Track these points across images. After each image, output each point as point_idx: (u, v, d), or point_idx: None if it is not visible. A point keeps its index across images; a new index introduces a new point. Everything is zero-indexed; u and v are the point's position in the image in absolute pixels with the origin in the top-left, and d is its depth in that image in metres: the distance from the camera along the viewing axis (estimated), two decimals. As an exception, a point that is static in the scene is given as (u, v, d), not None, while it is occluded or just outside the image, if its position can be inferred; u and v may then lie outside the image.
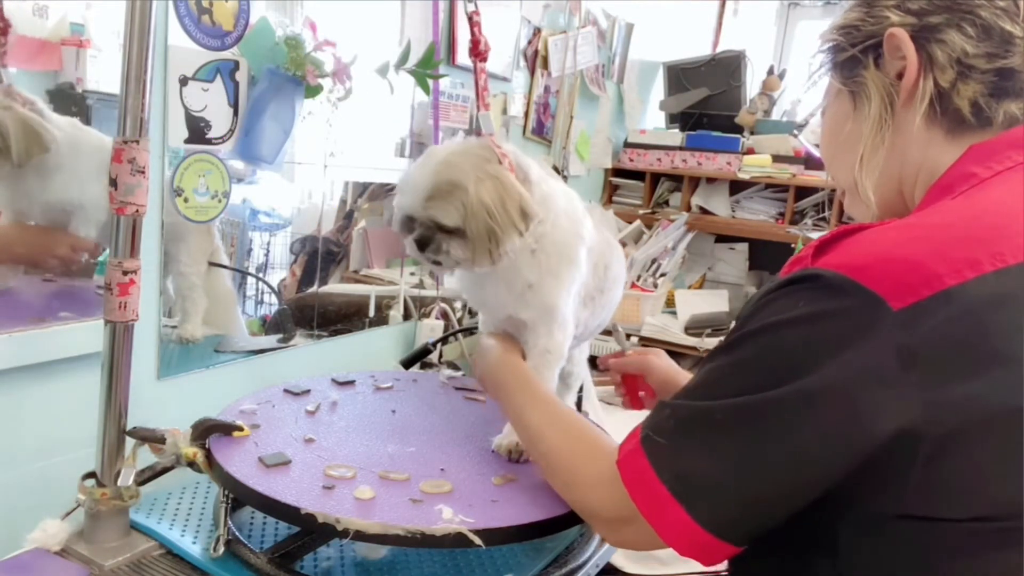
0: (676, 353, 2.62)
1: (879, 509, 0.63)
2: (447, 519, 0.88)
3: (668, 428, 0.70)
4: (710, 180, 2.78)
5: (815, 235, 2.48)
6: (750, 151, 2.71)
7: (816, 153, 2.58)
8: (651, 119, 3.14)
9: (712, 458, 0.67)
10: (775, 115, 2.94)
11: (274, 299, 1.55)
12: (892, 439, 0.60)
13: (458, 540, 0.87)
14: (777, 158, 2.65)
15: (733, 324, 0.72)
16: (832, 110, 0.83)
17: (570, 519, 0.94)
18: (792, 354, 0.64)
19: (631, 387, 1.26)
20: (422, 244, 1.07)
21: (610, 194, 2.93)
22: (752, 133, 2.80)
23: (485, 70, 1.33)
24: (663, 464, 0.69)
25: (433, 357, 1.76)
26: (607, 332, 1.39)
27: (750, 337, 0.67)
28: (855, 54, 0.77)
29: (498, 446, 1.09)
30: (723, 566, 0.81)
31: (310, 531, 1.01)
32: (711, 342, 2.52)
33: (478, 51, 1.36)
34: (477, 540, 0.87)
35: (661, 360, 1.21)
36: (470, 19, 1.39)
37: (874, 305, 0.60)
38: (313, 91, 1.46)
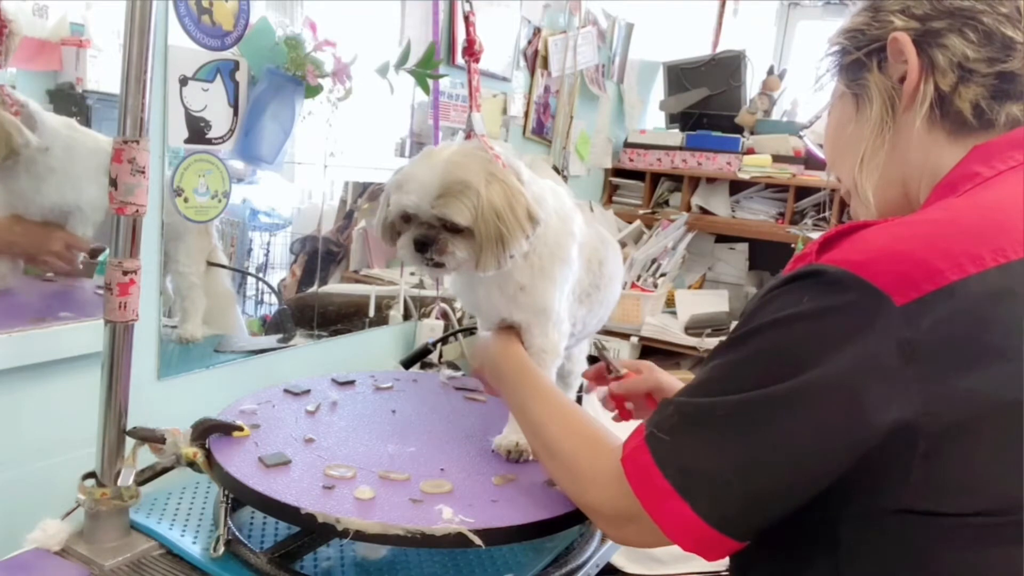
0: (676, 353, 2.63)
1: (879, 504, 0.64)
2: (447, 519, 0.88)
3: (671, 425, 0.71)
4: (710, 180, 2.78)
5: (815, 235, 2.48)
6: (750, 151, 2.71)
7: (819, 153, 2.58)
8: (651, 119, 3.14)
9: (715, 453, 0.67)
10: (775, 115, 2.94)
11: (274, 299, 1.55)
12: (892, 433, 0.60)
13: (458, 540, 0.87)
14: (777, 158, 2.65)
15: (736, 322, 0.72)
16: (836, 112, 0.84)
17: (570, 519, 0.94)
18: (795, 350, 0.64)
19: (621, 402, 1.24)
20: (423, 244, 1.05)
21: (610, 194, 2.93)
22: (752, 133, 2.80)
23: (478, 71, 1.33)
24: (666, 459, 0.70)
25: (433, 357, 1.76)
26: (606, 331, 1.38)
27: (754, 334, 0.68)
28: (859, 57, 0.78)
29: (498, 446, 1.09)
30: (724, 565, 0.81)
31: (310, 531, 1.01)
32: (711, 342, 2.52)
33: (472, 51, 1.36)
34: (477, 540, 0.87)
35: (664, 375, 1.20)
36: (466, 19, 1.39)
37: (877, 300, 0.61)
38: (313, 91, 1.46)
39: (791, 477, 0.65)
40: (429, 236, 1.04)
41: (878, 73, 0.77)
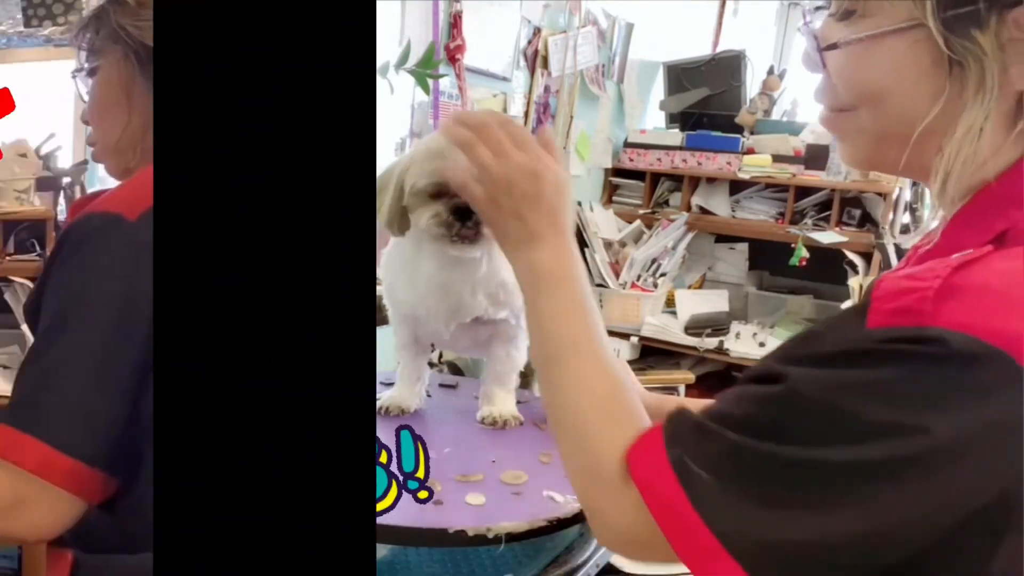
0: (676, 353, 2.63)
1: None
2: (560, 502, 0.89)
3: (718, 463, 0.57)
4: (710, 180, 2.78)
5: (815, 235, 2.48)
6: (750, 151, 2.71)
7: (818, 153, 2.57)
8: (651, 119, 3.14)
9: (798, 524, 0.54)
10: (775, 115, 2.94)
11: (274, 299, 1.55)
12: (994, 501, 0.52)
13: (474, 539, 0.87)
14: (777, 158, 2.65)
15: (816, 339, 0.56)
16: (893, 55, 0.60)
17: (570, 519, 0.94)
18: (908, 406, 0.52)
19: None
20: (467, 211, 0.95)
21: (610, 194, 2.93)
22: (752, 133, 2.80)
23: (461, 71, 1.33)
24: (715, 513, 0.56)
25: (433, 357, 1.75)
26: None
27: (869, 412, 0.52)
28: (977, 8, 0.56)
29: (482, 418, 1.09)
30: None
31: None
32: (711, 342, 2.53)
33: (449, 51, 1.35)
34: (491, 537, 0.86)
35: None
36: (455, 21, 1.39)
37: (1018, 378, 0.50)
38: (313, 91, 1.46)
39: (894, 551, 0.53)
40: (468, 207, 0.94)
41: (994, 35, 0.56)
